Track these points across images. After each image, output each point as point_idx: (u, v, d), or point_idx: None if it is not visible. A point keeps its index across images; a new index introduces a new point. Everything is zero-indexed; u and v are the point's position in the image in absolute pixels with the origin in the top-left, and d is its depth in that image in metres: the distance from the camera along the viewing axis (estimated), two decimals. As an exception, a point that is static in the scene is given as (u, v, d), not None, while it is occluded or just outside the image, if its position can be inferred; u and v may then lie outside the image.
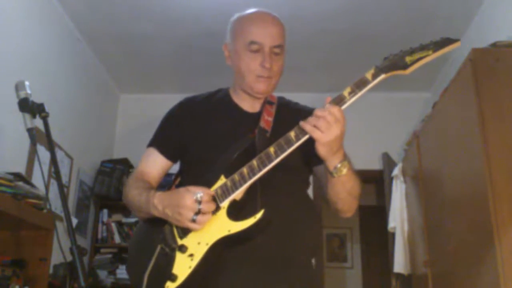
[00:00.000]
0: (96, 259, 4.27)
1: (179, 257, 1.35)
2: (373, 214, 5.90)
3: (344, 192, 1.41)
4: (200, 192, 1.30)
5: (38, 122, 1.42)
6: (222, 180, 1.37)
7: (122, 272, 4.18)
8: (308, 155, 1.39)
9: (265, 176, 1.33)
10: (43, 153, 3.23)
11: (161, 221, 1.40)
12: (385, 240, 4.39)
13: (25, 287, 2.52)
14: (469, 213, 2.54)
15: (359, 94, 1.27)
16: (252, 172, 1.32)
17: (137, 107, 5.12)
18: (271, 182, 1.38)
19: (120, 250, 4.31)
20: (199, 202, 1.29)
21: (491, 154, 2.29)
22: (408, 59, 1.27)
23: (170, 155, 1.60)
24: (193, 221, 1.30)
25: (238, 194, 1.34)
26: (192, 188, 1.32)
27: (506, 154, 2.28)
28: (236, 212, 1.34)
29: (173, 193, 1.37)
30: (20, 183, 2.50)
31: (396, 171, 3.99)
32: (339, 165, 1.32)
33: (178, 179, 1.63)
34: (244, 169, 1.34)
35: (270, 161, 1.31)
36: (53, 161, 1.42)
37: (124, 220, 4.46)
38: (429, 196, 3.29)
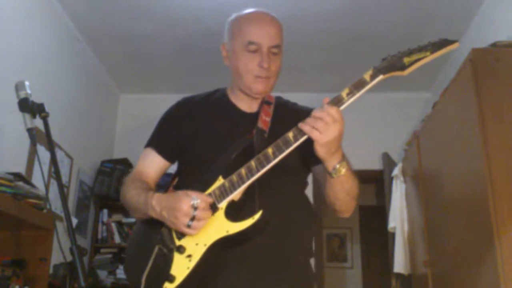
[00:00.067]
0: (96, 259, 4.27)
1: (177, 258, 1.35)
2: (373, 214, 5.90)
3: (343, 192, 1.41)
4: (197, 199, 1.30)
5: (38, 122, 1.42)
6: (220, 181, 1.37)
7: (122, 272, 4.17)
8: (306, 155, 1.39)
9: (263, 176, 1.33)
10: (43, 153, 3.23)
11: (159, 221, 1.40)
12: (385, 240, 4.39)
13: (25, 287, 2.52)
14: (469, 213, 2.54)
15: (357, 95, 1.27)
16: (250, 173, 1.32)
17: (137, 107, 5.12)
18: (269, 182, 1.38)
19: (120, 250, 4.31)
20: (195, 209, 1.29)
21: (491, 154, 2.29)
22: (406, 60, 1.27)
23: (168, 156, 1.60)
24: (188, 226, 1.30)
25: (236, 194, 1.34)
26: (191, 193, 1.32)
27: (506, 154, 2.28)
28: (234, 212, 1.34)
29: (171, 196, 1.36)
30: (20, 183, 2.50)
31: (396, 171, 3.99)
32: (338, 166, 1.32)
33: (176, 180, 1.63)
34: (242, 170, 1.34)
35: (268, 162, 1.31)
36: (53, 161, 1.42)
37: (124, 220, 4.46)
38: (429, 196, 3.29)
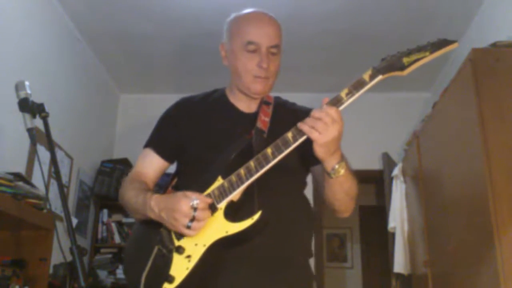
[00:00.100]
0: (96, 259, 4.27)
1: (177, 258, 1.35)
2: (373, 214, 5.90)
3: (342, 192, 1.41)
4: (196, 199, 1.30)
5: (38, 122, 1.42)
6: (219, 181, 1.37)
7: (122, 272, 4.18)
8: (305, 155, 1.39)
9: (262, 177, 1.33)
10: (43, 153, 3.23)
11: (158, 222, 1.39)
12: (385, 240, 4.39)
13: (25, 287, 2.52)
14: (469, 213, 2.54)
15: (357, 95, 1.27)
16: (249, 173, 1.32)
17: (137, 107, 5.12)
18: (268, 183, 1.38)
19: (120, 250, 4.31)
20: (195, 209, 1.29)
21: (491, 154, 2.29)
22: (405, 60, 1.27)
23: (167, 156, 1.60)
24: (188, 227, 1.30)
25: (235, 195, 1.34)
26: (190, 194, 1.32)
27: (506, 154, 2.28)
28: (233, 213, 1.34)
29: (170, 197, 1.36)
30: (20, 183, 2.50)
31: (396, 171, 3.99)
32: (336, 166, 1.32)
33: (175, 180, 1.62)
34: (241, 170, 1.33)
35: (267, 162, 1.30)
36: (53, 161, 1.42)
37: (124, 220, 4.46)
38: (429, 196, 3.29)
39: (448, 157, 2.90)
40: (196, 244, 1.34)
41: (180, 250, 1.35)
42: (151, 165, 1.59)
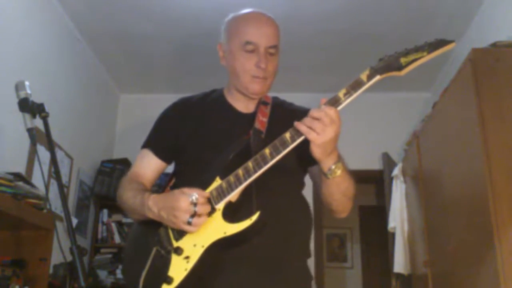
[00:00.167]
0: (96, 259, 4.27)
1: (175, 259, 1.35)
2: (373, 214, 5.90)
3: (339, 193, 1.40)
4: (195, 194, 1.29)
5: (38, 122, 1.42)
6: (217, 182, 1.37)
7: (121, 273, 4.18)
8: (303, 156, 1.38)
9: (260, 177, 1.33)
10: (43, 153, 3.23)
11: (156, 223, 1.39)
12: (385, 240, 4.39)
13: (25, 287, 2.52)
14: (469, 213, 2.54)
15: (354, 95, 1.27)
16: (248, 174, 1.32)
17: (137, 107, 5.12)
18: (266, 183, 1.37)
19: (120, 250, 4.30)
20: (195, 204, 1.29)
21: (491, 154, 2.29)
22: (403, 60, 1.27)
23: (165, 156, 1.59)
24: (189, 223, 1.29)
25: (233, 195, 1.34)
26: (187, 190, 1.31)
27: (506, 154, 2.28)
28: (231, 214, 1.34)
29: (168, 195, 1.36)
30: (20, 183, 2.50)
31: (396, 171, 3.99)
32: (333, 167, 1.32)
33: (173, 180, 1.62)
34: (240, 171, 1.33)
35: (266, 162, 1.30)
36: (53, 161, 1.42)
37: (124, 220, 4.45)
38: (429, 196, 3.29)
39: (448, 157, 2.90)
40: (194, 245, 1.33)
41: (178, 251, 1.35)
42: (149, 165, 1.59)
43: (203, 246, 1.32)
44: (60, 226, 3.55)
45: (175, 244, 1.37)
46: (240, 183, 1.32)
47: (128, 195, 1.50)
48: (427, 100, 4.65)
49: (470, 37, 3.81)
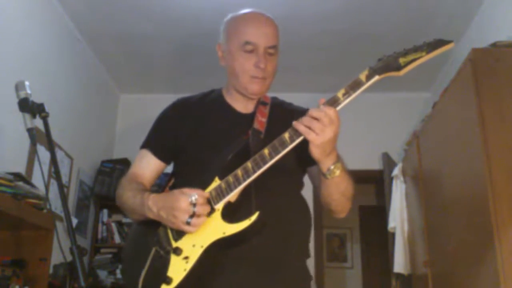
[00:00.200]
0: (96, 259, 4.27)
1: (174, 259, 1.35)
2: (373, 214, 5.90)
3: (338, 193, 1.41)
4: (194, 195, 1.29)
5: (38, 122, 1.42)
6: (216, 182, 1.37)
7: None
8: (302, 156, 1.38)
9: (259, 177, 1.33)
10: (43, 153, 3.23)
11: (155, 223, 1.39)
12: (385, 240, 4.39)
13: (25, 287, 2.52)
14: (469, 213, 2.54)
15: (353, 95, 1.27)
16: (247, 174, 1.32)
17: (137, 107, 5.12)
18: (265, 183, 1.37)
19: (120, 250, 4.31)
20: (194, 205, 1.29)
21: (491, 154, 2.29)
22: (401, 60, 1.27)
23: (164, 157, 1.59)
24: (188, 223, 1.29)
25: (232, 196, 1.34)
26: (187, 190, 1.31)
27: (506, 154, 2.28)
28: (230, 214, 1.34)
29: (167, 195, 1.36)
30: (20, 183, 2.50)
31: (396, 171, 3.99)
32: (332, 167, 1.32)
33: (172, 181, 1.62)
34: (239, 171, 1.33)
35: (265, 163, 1.30)
36: (53, 161, 1.42)
37: (124, 220, 4.46)
38: (429, 196, 3.29)
39: (448, 157, 2.90)
40: (193, 245, 1.33)
41: (177, 251, 1.34)
42: (148, 166, 1.59)
43: (202, 246, 1.32)
44: (60, 226, 3.55)
45: (174, 244, 1.37)
46: (239, 184, 1.32)
47: (127, 195, 1.50)
48: (427, 100, 4.66)
49: (470, 37, 3.81)
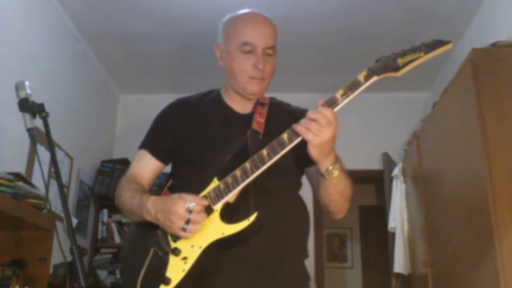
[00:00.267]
0: (96, 259, 4.27)
1: (173, 260, 1.35)
2: (373, 214, 5.90)
3: (336, 194, 1.41)
4: (192, 201, 1.30)
5: (38, 122, 1.42)
6: (215, 183, 1.37)
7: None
8: (300, 156, 1.39)
9: (258, 178, 1.33)
10: (43, 153, 3.23)
11: (153, 224, 1.39)
12: (385, 240, 4.39)
13: (25, 287, 2.52)
14: (469, 213, 2.54)
15: (351, 96, 1.27)
16: (245, 175, 1.32)
17: (137, 107, 5.12)
18: (263, 184, 1.38)
19: (120, 250, 4.31)
20: (190, 211, 1.29)
21: (491, 154, 2.29)
22: (400, 61, 1.27)
23: (162, 157, 1.59)
24: (184, 229, 1.30)
25: (231, 196, 1.34)
26: (186, 196, 1.32)
27: (506, 154, 2.28)
28: (229, 214, 1.34)
29: (166, 199, 1.36)
30: (20, 183, 2.50)
31: (396, 171, 3.99)
32: (330, 167, 1.32)
33: (170, 181, 1.62)
34: (237, 172, 1.33)
35: (263, 163, 1.30)
36: (53, 161, 1.42)
37: (124, 220, 4.45)
38: (429, 196, 3.29)
39: (448, 157, 2.90)
40: (192, 246, 1.34)
41: (176, 252, 1.34)
42: (147, 166, 1.59)
43: (200, 247, 1.33)
44: (60, 226, 3.55)
45: (173, 245, 1.37)
46: (238, 184, 1.33)
47: (126, 196, 1.50)
48: (427, 100, 4.66)
49: (470, 37, 3.81)
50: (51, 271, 3.06)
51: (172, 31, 4.05)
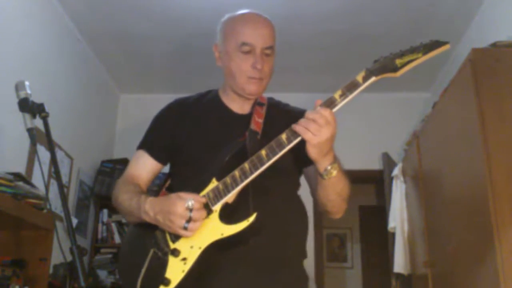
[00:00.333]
0: (96, 259, 4.27)
1: (172, 261, 1.35)
2: (373, 214, 5.90)
3: (334, 194, 1.41)
4: (191, 200, 1.29)
5: (38, 122, 1.42)
6: (214, 183, 1.37)
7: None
8: (299, 156, 1.39)
9: (257, 178, 1.33)
10: (43, 153, 3.23)
11: (152, 225, 1.39)
12: (385, 240, 4.39)
13: (25, 287, 2.52)
14: (469, 213, 2.54)
15: (350, 96, 1.27)
16: (244, 175, 1.32)
17: (137, 107, 5.12)
18: (262, 184, 1.38)
19: (119, 251, 4.30)
20: (190, 210, 1.29)
21: (491, 154, 2.29)
22: (398, 61, 1.27)
23: (160, 157, 1.59)
24: (185, 228, 1.30)
25: (230, 197, 1.34)
26: (184, 195, 1.31)
27: (506, 154, 2.28)
28: (228, 215, 1.34)
29: (164, 199, 1.36)
30: (20, 183, 2.50)
31: (396, 171, 3.99)
32: (329, 167, 1.33)
33: (168, 181, 1.62)
34: (236, 172, 1.33)
35: (262, 164, 1.31)
36: (53, 161, 1.42)
37: (124, 220, 4.45)
38: (429, 196, 3.29)
39: (448, 157, 2.90)
40: (191, 247, 1.33)
41: (175, 252, 1.34)
42: (145, 167, 1.59)
43: (200, 248, 1.33)
44: (60, 226, 3.55)
45: (172, 245, 1.37)
46: (237, 185, 1.33)
47: (123, 197, 1.50)
48: (427, 100, 4.66)
49: (470, 37, 3.81)
50: (51, 271, 3.06)
51: (172, 31, 4.05)
